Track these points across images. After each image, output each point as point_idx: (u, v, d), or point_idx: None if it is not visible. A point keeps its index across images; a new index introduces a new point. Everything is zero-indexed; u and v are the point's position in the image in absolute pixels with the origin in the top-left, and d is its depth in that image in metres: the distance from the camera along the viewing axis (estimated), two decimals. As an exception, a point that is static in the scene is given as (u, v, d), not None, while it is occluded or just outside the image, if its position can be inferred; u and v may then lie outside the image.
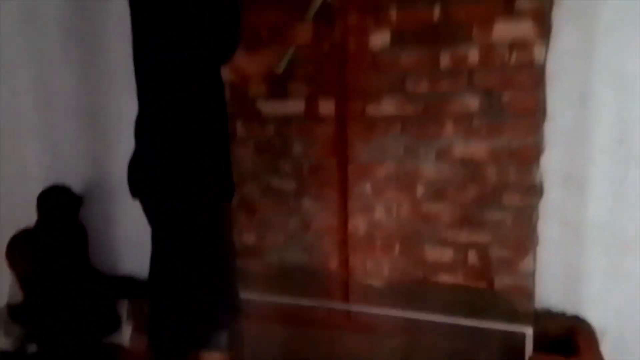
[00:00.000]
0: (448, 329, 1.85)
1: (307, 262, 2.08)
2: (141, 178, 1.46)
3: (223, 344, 1.46)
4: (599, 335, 1.76)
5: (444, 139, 1.84)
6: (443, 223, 1.88)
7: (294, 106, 2.04)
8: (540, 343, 1.77)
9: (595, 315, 1.81)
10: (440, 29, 1.78)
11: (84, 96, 2.61)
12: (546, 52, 1.69)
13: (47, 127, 2.70)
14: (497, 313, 1.83)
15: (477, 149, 1.80)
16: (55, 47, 2.59)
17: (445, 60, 1.79)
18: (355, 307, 2.02)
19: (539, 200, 1.79)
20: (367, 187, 1.98)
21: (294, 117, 2.04)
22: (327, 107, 1.98)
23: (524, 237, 1.78)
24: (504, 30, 1.70)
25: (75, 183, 2.59)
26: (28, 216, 2.42)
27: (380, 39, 1.87)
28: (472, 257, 1.84)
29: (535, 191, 1.76)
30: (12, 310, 2.33)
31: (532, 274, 1.79)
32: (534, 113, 1.71)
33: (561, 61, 1.72)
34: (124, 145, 2.49)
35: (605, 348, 1.74)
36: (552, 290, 1.85)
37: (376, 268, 1.99)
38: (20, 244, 2.34)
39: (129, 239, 2.53)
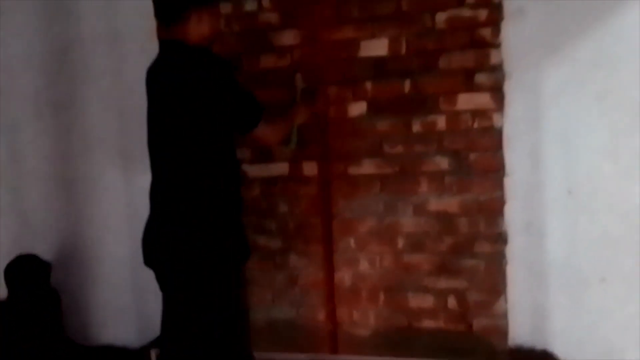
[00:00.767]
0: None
1: (295, 317, 2.18)
2: (157, 246, 1.51)
3: None
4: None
5: (419, 195, 2.05)
6: (423, 272, 2.06)
7: (279, 168, 2.19)
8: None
9: (561, 348, 2.02)
10: (411, 99, 2.03)
11: (57, 162, 2.63)
12: (503, 118, 1.97)
13: (17, 194, 2.67)
14: (476, 353, 2.00)
15: (450, 203, 2.02)
16: (28, 114, 2.62)
17: (417, 126, 2.03)
18: (344, 358, 2.12)
19: (505, 247, 2.01)
20: (351, 241, 2.14)
21: (279, 179, 2.19)
22: (310, 168, 2.15)
23: (496, 281, 1.99)
24: (466, 101, 1.97)
25: (45, 250, 2.56)
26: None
27: (358, 108, 2.09)
28: (452, 302, 2.02)
29: (502, 239, 1.99)
30: (-14, 386, 2.23)
31: (505, 315, 1.99)
32: (497, 171, 1.97)
33: (515, 125, 2.00)
34: (99, 210, 2.54)
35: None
36: (522, 328, 2.04)
37: (363, 318, 2.12)
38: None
39: (103, 305, 2.52)
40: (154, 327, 1.80)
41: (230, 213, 1.53)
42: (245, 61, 2.15)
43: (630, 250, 1.93)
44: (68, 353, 2.33)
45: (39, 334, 2.25)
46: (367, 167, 2.08)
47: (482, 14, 1.90)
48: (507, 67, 1.96)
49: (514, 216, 2.02)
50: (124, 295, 2.50)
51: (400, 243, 2.07)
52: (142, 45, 2.41)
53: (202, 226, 1.48)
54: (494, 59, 1.91)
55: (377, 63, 2.03)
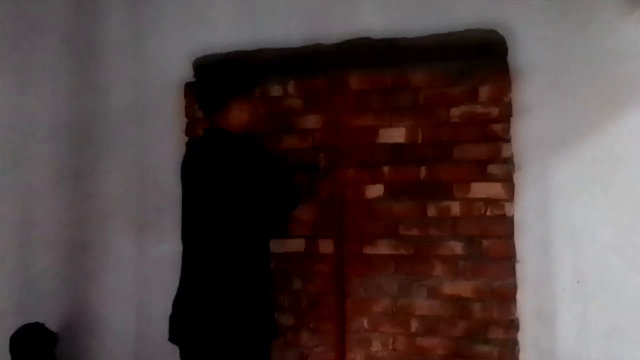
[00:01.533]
0: None
1: (304, 398, 2.14)
2: (186, 324, 1.52)
3: None
4: None
5: (434, 278, 2.10)
6: (436, 356, 2.07)
7: (295, 244, 2.24)
8: None
9: None
10: (427, 185, 2.14)
11: (69, 228, 2.66)
12: (514, 207, 2.07)
13: (25, 260, 2.67)
14: None
15: (464, 288, 2.07)
16: (47, 180, 2.68)
17: (432, 210, 2.12)
18: None
19: (517, 334, 2.04)
20: (365, 321, 2.15)
21: (294, 255, 2.24)
22: (326, 246, 2.21)
23: (509, 369, 1.99)
24: (479, 189, 2.07)
25: (51, 317, 2.53)
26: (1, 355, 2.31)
27: (375, 190, 2.18)
28: (465, 388, 2.01)
29: (515, 326, 2.02)
30: None
31: (518, 403, 1.98)
32: (509, 258, 2.04)
33: (525, 215, 2.10)
34: (108, 279, 2.54)
35: None
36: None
37: (374, 402, 2.09)
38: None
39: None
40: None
41: (260, 292, 1.56)
42: (268, 141, 2.26)
43: (637, 342, 1.97)
44: None
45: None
46: (383, 248, 2.14)
47: (494, 110, 2.06)
48: (517, 159, 2.08)
49: (525, 303, 2.07)
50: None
51: (414, 326, 2.09)
52: (167, 121, 2.54)
53: (233, 306, 1.52)
54: (505, 152, 2.04)
55: (395, 149, 2.15)
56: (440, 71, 2.12)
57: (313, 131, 2.25)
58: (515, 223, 2.06)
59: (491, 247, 2.04)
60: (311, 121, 2.25)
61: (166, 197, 2.52)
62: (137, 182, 2.58)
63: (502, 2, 2.17)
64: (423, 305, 2.08)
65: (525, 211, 2.09)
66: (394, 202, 2.14)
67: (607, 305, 2.02)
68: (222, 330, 1.49)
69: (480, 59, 2.12)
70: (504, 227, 2.03)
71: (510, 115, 2.08)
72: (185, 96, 2.44)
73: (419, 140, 2.13)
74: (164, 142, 2.57)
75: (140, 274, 2.55)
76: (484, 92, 2.07)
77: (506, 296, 2.01)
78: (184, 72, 2.51)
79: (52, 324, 2.48)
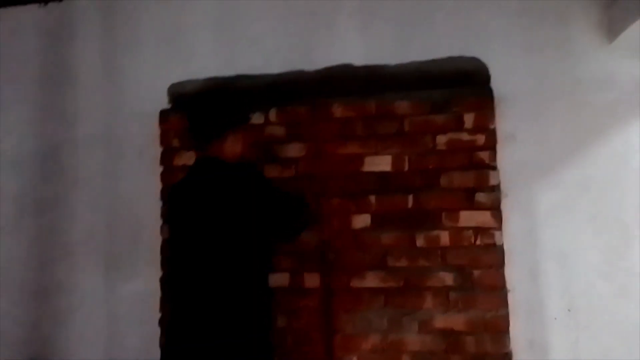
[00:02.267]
0: None
1: None
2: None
3: None
4: None
5: (425, 311, 2.03)
6: (429, 394, 1.97)
7: (279, 279, 2.14)
8: None
9: None
10: (415, 214, 2.08)
11: (33, 266, 2.48)
12: (502, 235, 2.04)
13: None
14: None
15: (456, 320, 2.00)
16: (8, 214, 2.50)
17: (420, 240, 2.06)
18: None
19: (512, 366, 1.98)
20: (354, 359, 2.05)
21: (278, 290, 2.13)
22: (312, 280, 2.11)
23: (506, 404, 1.92)
24: (468, 218, 2.04)
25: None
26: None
27: (362, 220, 2.12)
28: None
29: (509, 358, 1.96)
30: None
31: None
32: (501, 288, 1.99)
33: (514, 243, 2.07)
34: (76, 322, 2.37)
35: None
36: None
37: None
38: None
39: None
40: None
41: (257, 329, 1.49)
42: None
43: (631, 370, 1.94)
44: None
45: None
46: (371, 281, 2.06)
47: (480, 138, 2.04)
48: (503, 187, 2.06)
49: (517, 333, 2.02)
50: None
51: (405, 362, 2.00)
52: (140, 150, 2.42)
53: (229, 344, 1.44)
54: (492, 180, 2.02)
55: (381, 178, 2.10)
56: (424, 99, 2.10)
57: (297, 160, 2.18)
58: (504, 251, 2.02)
59: (482, 277, 1.99)
60: (294, 150, 2.18)
61: (139, 230, 2.39)
62: (108, 214, 2.44)
63: (482, 32, 2.19)
64: (414, 340, 2.00)
65: (513, 239, 2.06)
66: (381, 232, 2.08)
67: (598, 333, 2.00)
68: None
69: (463, 87, 2.12)
70: (495, 256, 1.99)
71: (496, 142, 2.06)
72: (160, 124, 2.33)
73: (406, 169, 2.09)
74: (136, 171, 2.45)
75: (111, 313, 2.38)
76: (469, 119, 2.06)
77: (499, 328, 1.96)
78: (159, 99, 2.41)
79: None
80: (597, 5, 2.10)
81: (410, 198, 2.08)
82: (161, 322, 2.23)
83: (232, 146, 1.61)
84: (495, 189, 2.02)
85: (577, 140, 2.10)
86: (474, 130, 2.05)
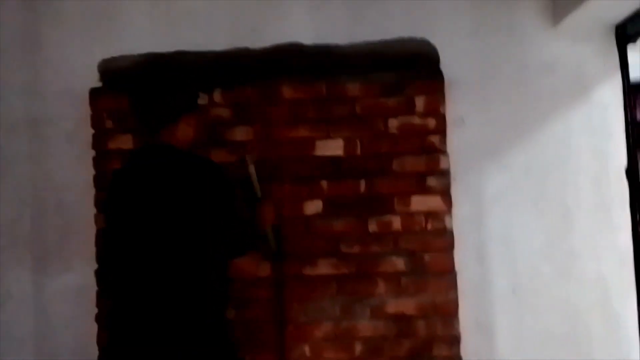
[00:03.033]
0: None
1: None
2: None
3: None
4: None
5: (377, 297, 2.02)
6: (382, 379, 1.97)
7: (227, 269, 2.03)
8: None
9: None
10: (367, 199, 2.05)
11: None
12: (452, 219, 2.05)
13: None
14: None
15: (407, 305, 2.00)
16: None
17: (373, 226, 2.04)
18: None
19: (459, 348, 2.02)
20: (306, 349, 2.01)
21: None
22: (263, 269, 2.03)
23: (455, 385, 1.96)
24: (419, 202, 2.03)
25: None
26: None
27: (314, 206, 2.06)
28: (412, 409, 1.94)
29: (458, 341, 2.00)
30: None
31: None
32: (450, 272, 2.01)
33: (462, 226, 2.09)
34: (10, 328, 2.16)
35: None
36: None
37: None
38: None
39: None
40: None
41: (219, 321, 1.46)
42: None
43: (572, 346, 2.04)
44: None
45: None
46: (323, 267, 2.02)
47: (431, 122, 2.03)
48: (452, 171, 2.07)
49: (464, 315, 2.05)
50: None
51: (358, 349, 1.99)
52: (68, 133, 2.22)
53: (191, 338, 1.37)
54: (443, 164, 2.02)
55: (333, 162, 2.05)
56: (375, 81, 2.05)
57: (244, 143, 2.07)
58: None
59: (433, 261, 2.00)
60: (241, 133, 2.07)
61: (70, 220, 2.20)
62: (33, 204, 2.22)
63: (431, 14, 2.17)
64: (367, 326, 1.99)
65: (461, 222, 2.09)
66: (334, 219, 2.02)
67: (541, 313, 2.07)
68: None
69: (412, 69, 2.09)
70: (444, 240, 2.01)
71: (446, 126, 2.06)
72: (91, 104, 2.14)
73: (358, 153, 2.04)
74: (65, 157, 2.25)
75: (39, 309, 2.19)
76: (420, 103, 2.04)
77: (449, 311, 1.98)
78: (87, 76, 2.21)
79: None
80: (542, -12, 2.13)
81: (363, 183, 2.04)
82: (98, 319, 2.07)
83: (184, 131, 1.51)
84: (446, 173, 2.02)
85: (521, 124, 2.14)
86: (424, 114, 2.03)
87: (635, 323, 2.04)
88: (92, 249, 2.13)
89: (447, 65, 2.13)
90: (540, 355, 2.03)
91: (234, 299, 1.95)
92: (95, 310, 2.11)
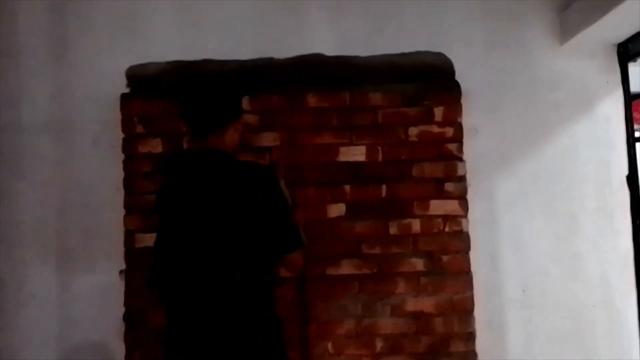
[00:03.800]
0: None
1: None
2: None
3: None
4: None
5: (397, 296, 2.12)
6: (402, 374, 2.08)
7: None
8: None
9: None
10: (388, 203, 2.16)
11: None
12: (468, 223, 2.18)
13: None
14: None
15: (426, 303, 2.11)
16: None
17: (393, 228, 2.15)
18: None
19: (475, 345, 2.13)
20: (329, 345, 2.10)
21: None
22: (287, 269, 2.12)
23: (471, 379, 2.07)
24: (438, 206, 2.15)
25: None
26: None
27: (337, 210, 2.16)
28: (431, 403, 2.04)
29: (473, 337, 2.11)
30: None
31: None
32: (467, 272, 2.13)
33: (476, 229, 2.22)
34: (23, 319, 2.20)
35: None
36: None
37: None
38: None
39: None
40: None
41: (275, 328, 1.48)
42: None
43: (579, 344, 2.17)
44: None
45: None
46: (346, 268, 2.12)
47: (449, 131, 2.15)
48: (468, 176, 2.19)
49: (478, 313, 2.17)
50: None
51: (379, 345, 2.09)
52: (95, 136, 2.28)
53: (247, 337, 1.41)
54: (460, 170, 2.15)
55: (356, 168, 2.15)
56: (397, 91, 2.17)
57: (271, 149, 2.16)
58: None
59: (450, 262, 2.12)
60: (268, 139, 2.17)
61: (95, 221, 2.25)
62: (58, 205, 2.27)
63: (446, 29, 2.30)
64: (387, 324, 2.09)
65: (475, 226, 2.21)
66: (356, 221, 2.13)
67: (549, 312, 2.20)
68: None
69: (430, 81, 2.21)
70: (461, 242, 2.12)
71: (462, 135, 2.19)
72: (122, 109, 2.21)
73: (379, 159, 2.16)
74: (91, 159, 2.31)
75: (63, 309, 2.24)
76: (439, 112, 2.17)
77: (465, 309, 2.09)
78: (114, 82, 2.28)
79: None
80: (551, 9, 2.29)
81: (384, 187, 2.15)
82: (126, 317, 2.13)
83: (232, 136, 1.54)
84: (462, 179, 2.14)
85: (530, 135, 2.28)
86: (443, 123, 2.15)
87: (636, 320, 2.19)
88: (117, 250, 2.19)
89: (461, 77, 2.26)
90: (548, 350, 2.16)
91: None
92: (121, 310, 2.15)
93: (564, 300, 2.20)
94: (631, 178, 2.20)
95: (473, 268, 2.17)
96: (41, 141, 2.30)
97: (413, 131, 2.16)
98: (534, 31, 2.28)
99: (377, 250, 2.12)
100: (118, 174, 2.21)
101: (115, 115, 2.24)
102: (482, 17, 2.30)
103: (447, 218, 2.13)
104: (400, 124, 2.16)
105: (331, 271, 2.11)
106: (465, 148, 2.21)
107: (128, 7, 2.30)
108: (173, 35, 2.32)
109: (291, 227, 1.52)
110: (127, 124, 2.20)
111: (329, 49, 2.29)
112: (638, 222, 2.19)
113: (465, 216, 2.13)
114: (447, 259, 2.11)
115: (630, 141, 2.20)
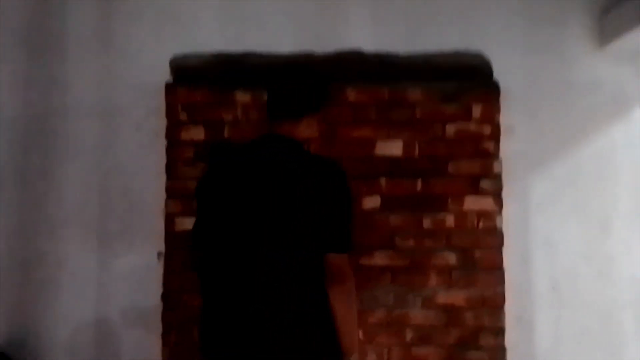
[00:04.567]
0: None
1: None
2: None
3: None
4: None
5: (429, 288, 2.16)
6: (430, 365, 2.12)
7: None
8: None
9: None
10: (422, 198, 2.20)
11: (15, 239, 2.34)
12: (502, 220, 2.21)
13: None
14: None
15: (457, 297, 2.15)
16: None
17: (427, 222, 2.19)
18: None
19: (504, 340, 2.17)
20: (360, 333, 2.15)
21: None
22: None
23: (499, 374, 2.11)
24: (472, 202, 2.19)
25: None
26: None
27: (372, 202, 2.21)
28: (458, 395, 2.08)
29: (503, 332, 2.15)
30: None
31: (506, 408, 2.10)
32: (499, 268, 2.17)
33: (509, 227, 2.25)
34: (63, 296, 2.29)
35: None
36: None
37: (371, 415, 2.08)
38: None
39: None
40: None
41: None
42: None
43: (606, 344, 2.19)
44: None
45: None
46: (379, 259, 2.16)
47: (487, 129, 2.19)
48: (503, 175, 2.23)
49: (508, 309, 2.20)
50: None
51: (409, 335, 2.13)
52: (138, 122, 2.35)
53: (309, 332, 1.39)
54: (496, 168, 2.18)
55: (392, 162, 2.20)
56: (435, 89, 2.21)
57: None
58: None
59: (483, 257, 2.15)
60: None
61: (135, 205, 2.33)
62: (99, 187, 2.35)
63: (485, 29, 2.33)
64: (418, 315, 2.13)
65: (508, 224, 2.24)
66: (390, 214, 2.17)
67: (578, 311, 2.22)
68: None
69: (468, 80, 2.25)
70: (495, 239, 2.16)
71: (500, 134, 2.22)
72: (167, 97, 2.28)
73: (416, 154, 2.20)
74: (134, 145, 2.38)
75: (102, 289, 2.31)
76: (477, 111, 2.20)
77: (496, 304, 2.13)
78: (158, 71, 2.35)
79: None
80: (591, 13, 2.31)
81: (419, 182, 2.19)
82: (164, 298, 2.20)
83: (304, 130, 1.53)
84: (498, 176, 2.18)
85: (566, 137, 2.30)
86: (480, 121, 2.19)
87: (666, 323, 2.20)
88: (155, 233, 2.27)
89: (499, 78, 2.29)
90: (576, 348, 2.18)
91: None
92: (158, 290, 2.23)
93: (594, 300, 2.22)
94: (665, 182, 2.21)
95: (505, 265, 2.20)
96: (87, 126, 2.37)
97: (450, 128, 2.20)
98: (573, 34, 2.31)
99: (410, 243, 2.16)
100: (159, 159, 2.28)
101: (159, 102, 2.31)
102: (522, 18, 2.32)
103: (481, 214, 2.16)
104: (438, 120, 2.20)
105: (364, 261, 2.16)
106: (501, 147, 2.24)
107: (174, -3, 2.36)
108: (216, 27, 2.38)
109: (347, 228, 1.43)
110: (171, 112, 2.27)
111: (369, 45, 2.33)
112: (671, 225, 2.21)
113: (499, 213, 2.17)
114: (480, 254, 2.15)
115: (666, 145, 2.22)
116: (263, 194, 1.42)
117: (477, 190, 2.16)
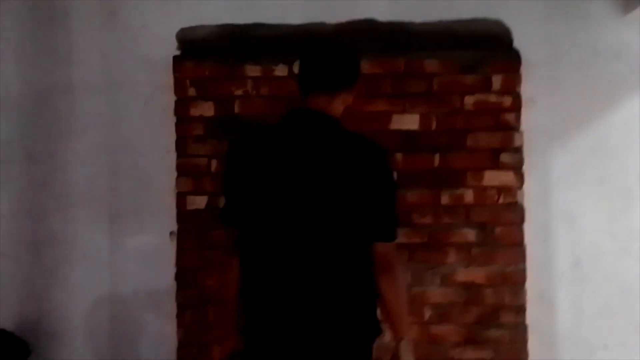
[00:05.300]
0: None
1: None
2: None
3: None
4: None
5: (447, 266, 2.11)
6: (450, 343, 2.08)
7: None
8: None
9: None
10: (440, 173, 2.13)
11: (25, 219, 2.31)
12: (523, 195, 2.14)
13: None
14: None
15: (477, 274, 2.10)
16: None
17: (445, 198, 2.12)
18: None
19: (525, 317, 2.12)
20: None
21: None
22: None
23: (520, 352, 2.07)
24: (492, 177, 2.11)
25: (9, 324, 2.18)
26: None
27: (388, 177, 2.13)
28: (478, 374, 2.05)
29: (524, 309, 2.10)
30: None
31: (527, 385, 2.06)
32: (520, 244, 2.10)
33: (529, 202, 2.18)
34: (74, 276, 2.25)
35: None
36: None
37: (389, 393, 2.04)
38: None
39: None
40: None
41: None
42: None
43: (629, 320, 2.14)
44: None
45: None
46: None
47: (507, 100, 2.10)
48: (524, 148, 2.15)
49: (529, 286, 2.15)
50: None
51: (428, 314, 2.09)
52: (146, 98, 2.29)
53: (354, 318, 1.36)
54: (517, 141, 2.10)
55: (408, 136, 2.12)
56: (453, 58, 2.12)
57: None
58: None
59: (503, 234, 2.09)
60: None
61: (145, 183, 2.28)
62: (109, 165, 2.30)
63: (505, -3, 2.22)
64: (436, 293, 2.08)
65: (528, 199, 2.17)
66: (407, 190, 2.11)
67: (601, 287, 2.17)
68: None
69: (487, 49, 2.16)
70: (515, 214, 2.09)
71: (521, 105, 2.13)
72: (174, 71, 2.20)
73: (433, 128, 2.12)
74: (142, 121, 2.32)
75: (114, 267, 2.28)
76: (497, 81, 2.11)
77: (517, 281, 2.07)
78: (165, 44, 2.27)
79: (8, 326, 2.13)
80: (615, -22, 2.19)
81: (437, 157, 2.12)
82: (177, 277, 2.16)
83: (337, 106, 1.41)
84: (519, 150, 2.10)
85: (589, 108, 2.21)
86: (501, 92, 2.11)
87: (690, 299, 2.14)
88: (166, 211, 2.22)
89: (519, 47, 2.20)
90: (598, 325, 2.14)
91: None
92: (171, 270, 2.19)
93: (616, 275, 2.17)
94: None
95: (526, 240, 2.14)
96: (93, 102, 2.31)
97: (469, 100, 2.11)
98: (596, 0, 2.20)
99: (428, 219, 2.10)
100: (168, 136, 2.22)
101: (167, 78, 2.24)
102: (542, -16, 2.22)
103: (501, 189, 2.10)
104: (456, 92, 2.12)
105: (381, 239, 2.09)
106: (522, 119, 2.15)
107: (178, -31, 2.27)
108: (221, -3, 2.29)
109: (394, 215, 1.38)
110: (179, 87, 2.20)
111: (382, 14, 2.24)
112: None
113: (520, 188, 2.10)
114: (500, 230, 2.09)
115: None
116: (305, 172, 1.32)
117: (497, 165, 2.09)
